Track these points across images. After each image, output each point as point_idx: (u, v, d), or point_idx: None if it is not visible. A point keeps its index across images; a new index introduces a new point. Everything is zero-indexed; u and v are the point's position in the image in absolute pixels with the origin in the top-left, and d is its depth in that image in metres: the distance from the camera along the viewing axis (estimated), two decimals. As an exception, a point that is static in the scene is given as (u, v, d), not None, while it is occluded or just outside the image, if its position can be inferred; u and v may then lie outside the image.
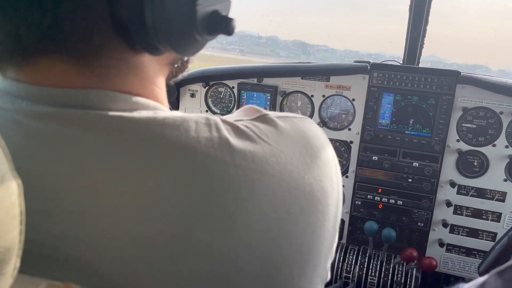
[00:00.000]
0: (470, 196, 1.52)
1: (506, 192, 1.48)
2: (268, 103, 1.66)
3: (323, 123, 1.63)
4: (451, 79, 1.45)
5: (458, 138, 1.49)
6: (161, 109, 0.40)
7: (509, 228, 1.12)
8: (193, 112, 1.88)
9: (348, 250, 1.59)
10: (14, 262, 0.27)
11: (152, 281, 0.34)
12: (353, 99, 1.58)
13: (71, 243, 0.33)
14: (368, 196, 1.60)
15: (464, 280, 1.59)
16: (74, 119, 0.35)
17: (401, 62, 1.61)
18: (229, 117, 0.42)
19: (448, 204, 1.52)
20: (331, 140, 1.63)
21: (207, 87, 1.73)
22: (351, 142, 1.61)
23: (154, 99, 0.42)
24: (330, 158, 0.46)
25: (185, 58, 0.48)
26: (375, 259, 1.55)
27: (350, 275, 1.53)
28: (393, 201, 1.57)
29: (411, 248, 1.45)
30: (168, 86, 0.48)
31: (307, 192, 0.41)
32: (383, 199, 1.58)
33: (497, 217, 1.50)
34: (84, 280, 0.33)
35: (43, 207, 0.33)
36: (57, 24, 0.34)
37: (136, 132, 0.36)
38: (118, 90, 0.38)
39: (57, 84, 0.37)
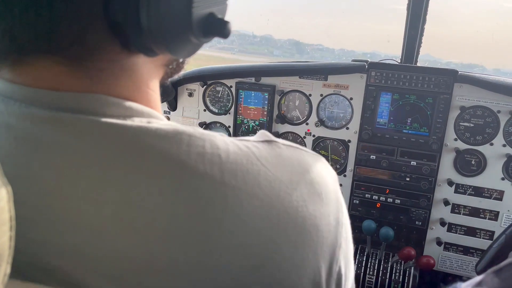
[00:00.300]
0: (468, 194, 1.52)
1: (504, 191, 1.49)
2: (266, 102, 1.66)
3: (321, 122, 1.63)
4: (448, 78, 1.45)
5: (456, 137, 1.50)
6: (155, 117, 0.40)
7: (506, 226, 1.12)
8: (191, 111, 1.87)
9: (346, 249, 1.59)
10: (4, 269, 0.27)
11: None
12: (351, 98, 1.58)
13: (53, 251, 0.33)
14: (366, 195, 1.60)
15: (461, 278, 1.59)
16: (65, 124, 0.35)
17: (399, 61, 1.61)
18: (237, 137, 0.42)
19: (446, 202, 1.53)
20: (329, 139, 1.63)
21: (205, 86, 1.73)
22: (349, 141, 1.61)
23: (147, 103, 0.41)
24: (331, 199, 0.43)
25: (180, 60, 0.48)
26: (373, 258, 1.55)
27: (348, 274, 1.53)
28: (391, 200, 1.57)
29: (409, 247, 1.46)
30: (166, 85, 0.47)
31: (298, 225, 0.39)
32: (381, 198, 1.58)
33: (494, 215, 1.51)
34: None
35: (27, 213, 0.33)
36: (52, 24, 0.33)
37: (126, 141, 0.35)
38: (111, 94, 0.38)
39: (51, 86, 0.36)
